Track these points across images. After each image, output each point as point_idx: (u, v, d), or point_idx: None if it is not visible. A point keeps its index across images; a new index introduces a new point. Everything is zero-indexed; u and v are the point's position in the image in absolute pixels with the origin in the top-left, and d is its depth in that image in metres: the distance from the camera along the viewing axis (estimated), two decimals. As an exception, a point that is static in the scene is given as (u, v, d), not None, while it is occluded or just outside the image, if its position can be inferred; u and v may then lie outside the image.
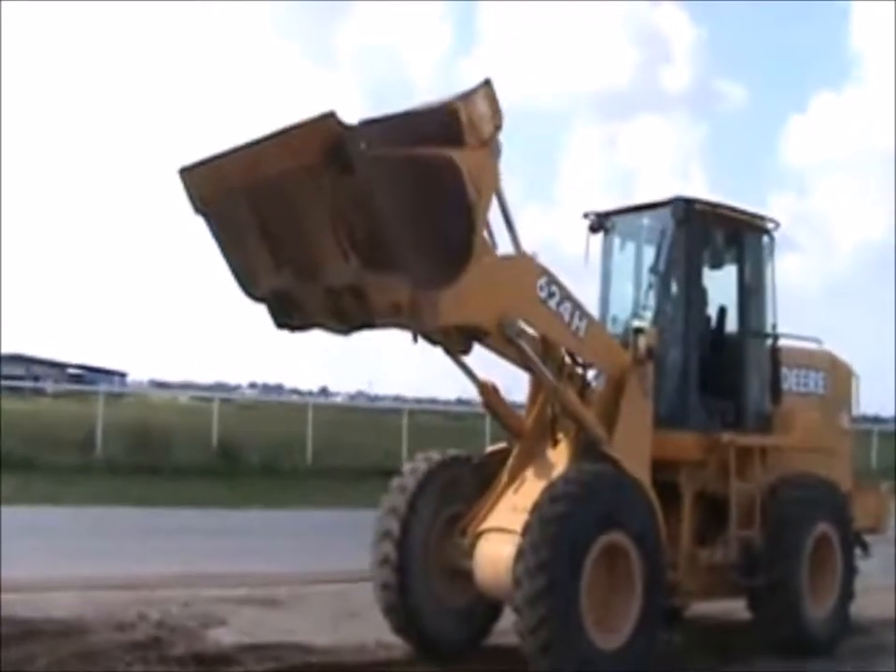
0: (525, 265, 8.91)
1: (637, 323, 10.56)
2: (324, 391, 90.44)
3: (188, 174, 8.32)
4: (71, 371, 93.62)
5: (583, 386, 9.69)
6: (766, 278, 11.35)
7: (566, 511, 8.40)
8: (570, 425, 9.58)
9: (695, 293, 10.90)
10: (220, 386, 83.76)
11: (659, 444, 9.76)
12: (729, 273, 11.28)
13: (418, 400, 63.60)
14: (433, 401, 64.82)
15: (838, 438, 12.08)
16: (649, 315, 10.95)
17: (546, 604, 8.19)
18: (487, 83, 8.02)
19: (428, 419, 42.15)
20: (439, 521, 9.87)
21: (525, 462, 9.81)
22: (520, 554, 8.38)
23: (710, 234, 10.99)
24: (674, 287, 11.00)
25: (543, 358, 9.06)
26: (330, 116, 6.98)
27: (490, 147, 8.11)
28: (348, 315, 7.99)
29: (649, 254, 11.36)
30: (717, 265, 11.22)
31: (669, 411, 10.31)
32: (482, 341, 8.89)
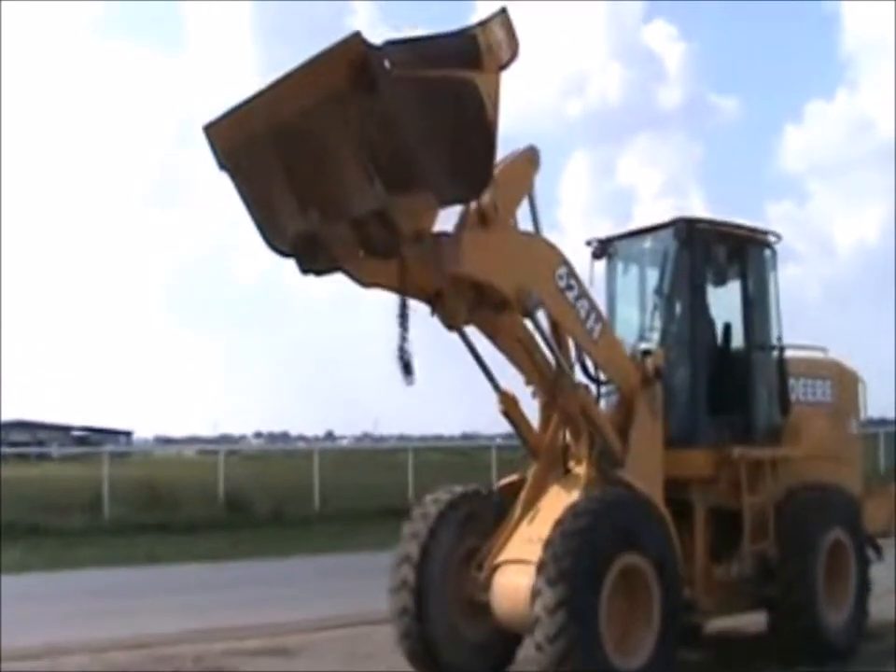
0: (546, 248, 9.16)
1: (644, 345, 10.55)
2: (330, 435, 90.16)
3: (212, 129, 8.39)
4: (76, 433, 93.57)
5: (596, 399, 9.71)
6: (770, 291, 11.33)
7: (588, 525, 8.39)
8: (582, 453, 9.55)
9: (700, 311, 10.88)
10: (225, 438, 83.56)
11: (671, 464, 9.73)
12: (733, 287, 11.22)
13: (423, 438, 63.52)
14: (438, 438, 64.79)
15: (847, 444, 12.09)
16: (655, 336, 10.90)
17: (566, 613, 8.10)
18: (503, 11, 8.24)
19: (434, 456, 41.98)
20: (458, 552, 9.78)
21: (538, 493, 9.74)
22: (541, 566, 8.31)
23: (713, 253, 10.97)
24: (679, 307, 10.99)
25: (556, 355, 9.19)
26: (356, 36, 7.09)
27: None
28: (375, 243, 7.96)
29: (652, 276, 11.36)
30: (720, 282, 11.18)
31: (680, 429, 10.24)
32: (498, 317, 9.07)
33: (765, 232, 11.46)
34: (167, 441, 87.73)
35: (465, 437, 54.62)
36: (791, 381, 11.47)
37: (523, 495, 9.77)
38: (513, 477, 10.24)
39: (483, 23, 8.13)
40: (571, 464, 9.70)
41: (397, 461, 34.55)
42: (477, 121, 7.82)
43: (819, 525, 10.59)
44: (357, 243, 8.04)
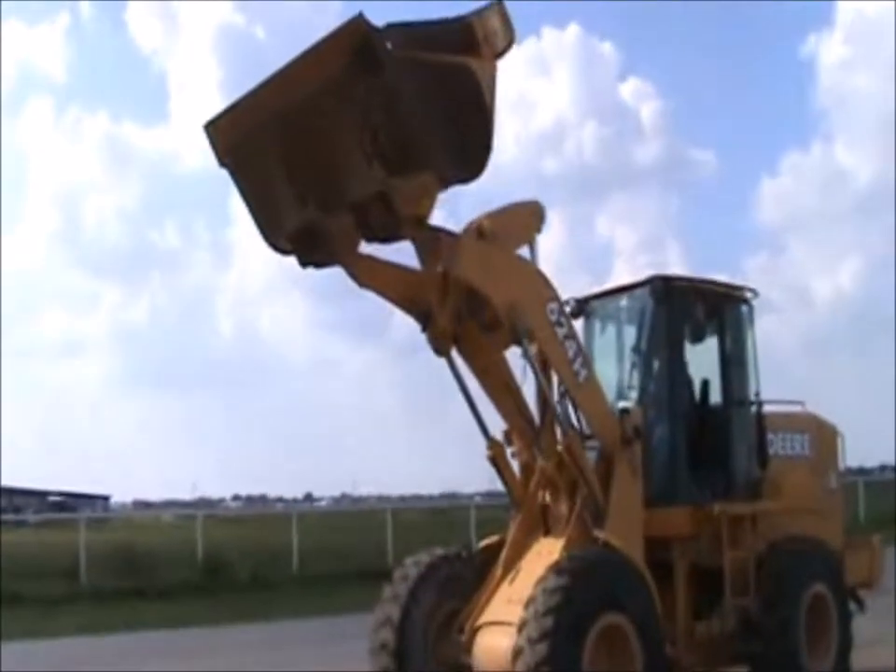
0: (542, 280, 9.32)
1: (622, 404, 10.55)
2: (308, 497, 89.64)
3: (212, 126, 8.49)
4: (53, 498, 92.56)
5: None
6: (748, 347, 11.39)
7: (569, 584, 8.36)
8: (562, 514, 9.54)
9: (678, 369, 10.93)
10: (204, 501, 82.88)
11: (651, 523, 9.72)
12: (710, 344, 11.28)
13: (402, 498, 63.21)
14: (417, 498, 64.34)
15: (827, 497, 12.06)
16: (634, 395, 10.91)
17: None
18: (500, 2, 8.50)
19: (413, 516, 41.73)
20: (438, 614, 9.74)
21: (518, 554, 9.70)
22: (522, 625, 8.27)
23: (690, 310, 11.01)
24: (657, 365, 11.03)
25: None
26: (359, 17, 7.30)
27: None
28: (374, 228, 8.13)
29: (630, 335, 11.43)
30: (698, 339, 11.23)
31: (659, 487, 10.23)
32: (487, 340, 9.24)
33: (742, 288, 11.54)
34: (145, 505, 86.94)
35: (444, 496, 54.27)
36: (770, 435, 11.48)
37: (503, 556, 9.72)
38: (493, 538, 10.20)
39: (479, 12, 8.36)
40: (551, 525, 9.66)
41: (376, 522, 34.31)
42: (475, 105, 8.07)
43: (800, 578, 10.56)
44: (357, 230, 8.21)
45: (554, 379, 9.54)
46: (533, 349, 9.20)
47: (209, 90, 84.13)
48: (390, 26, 7.69)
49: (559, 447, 9.38)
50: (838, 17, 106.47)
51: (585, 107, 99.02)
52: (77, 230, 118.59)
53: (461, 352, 9.36)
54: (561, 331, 9.31)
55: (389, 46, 7.47)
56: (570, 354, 9.36)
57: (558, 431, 9.49)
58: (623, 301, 11.63)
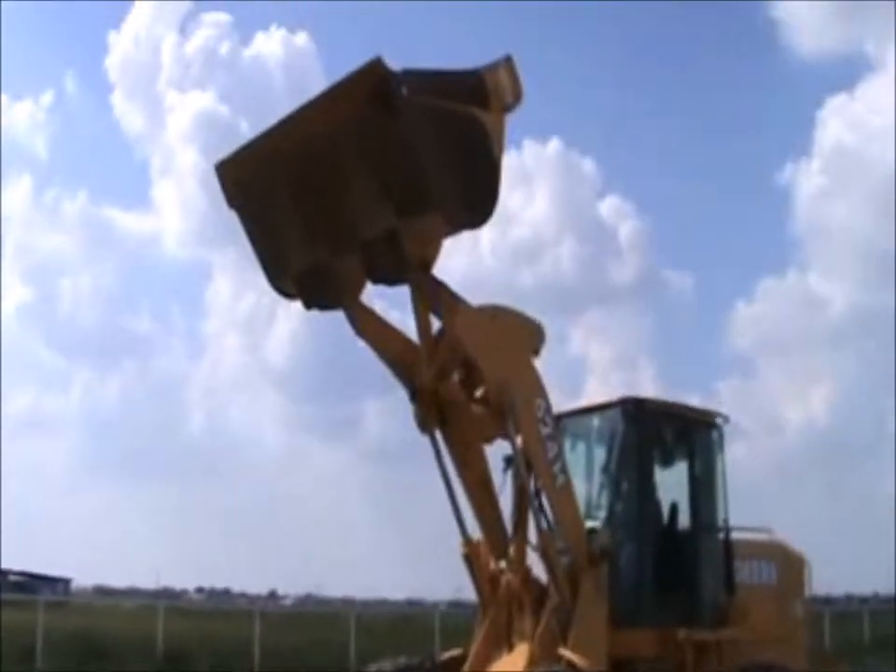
0: (535, 374, 9.35)
1: (590, 524, 10.54)
2: (272, 594, 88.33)
3: (222, 167, 8.71)
4: (12, 578, 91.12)
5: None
6: (717, 472, 11.44)
7: None
8: (526, 629, 9.48)
9: (647, 491, 10.98)
10: (166, 592, 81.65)
11: (616, 643, 9.64)
12: (680, 468, 11.35)
13: (366, 603, 62.33)
14: (382, 602, 63.50)
15: (792, 626, 12.03)
16: (602, 514, 10.95)
17: None
18: (508, 59, 8.80)
19: (377, 621, 41.19)
20: None
21: (480, 668, 9.65)
22: None
23: (661, 433, 11.15)
24: (626, 487, 11.06)
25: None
26: (377, 60, 7.55)
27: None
28: (382, 269, 8.31)
29: (600, 454, 11.48)
30: (668, 462, 11.33)
31: (625, 608, 10.17)
32: (475, 420, 9.28)
33: (713, 414, 11.65)
34: (107, 590, 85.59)
35: (409, 602, 53.68)
36: (738, 562, 11.48)
37: (465, 668, 9.66)
38: (456, 651, 10.15)
39: (490, 67, 8.66)
40: (515, 640, 9.61)
41: (339, 624, 33.91)
42: (484, 154, 8.32)
43: None
44: (364, 270, 8.42)
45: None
46: (518, 441, 9.21)
47: (190, 179, 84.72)
48: (406, 72, 7.94)
49: (536, 547, 9.42)
50: (816, 146, 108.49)
51: (564, 222, 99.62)
52: (51, 307, 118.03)
53: (445, 437, 9.43)
54: (545, 430, 9.32)
55: (405, 90, 7.72)
56: (551, 455, 9.36)
57: (532, 535, 9.53)
58: (595, 421, 11.71)
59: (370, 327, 9.02)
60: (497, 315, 9.10)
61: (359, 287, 8.81)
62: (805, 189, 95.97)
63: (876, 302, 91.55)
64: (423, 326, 9.04)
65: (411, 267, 8.39)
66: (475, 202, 8.30)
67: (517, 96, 8.82)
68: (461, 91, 8.45)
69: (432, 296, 8.78)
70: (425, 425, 9.32)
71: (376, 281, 8.60)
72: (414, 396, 9.19)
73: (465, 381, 9.33)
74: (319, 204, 8.35)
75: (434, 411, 9.24)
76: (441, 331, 9.04)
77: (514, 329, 9.26)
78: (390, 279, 8.53)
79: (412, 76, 8.00)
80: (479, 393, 9.30)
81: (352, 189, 8.07)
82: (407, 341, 9.17)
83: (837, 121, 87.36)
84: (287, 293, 8.97)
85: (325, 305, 8.98)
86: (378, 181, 7.89)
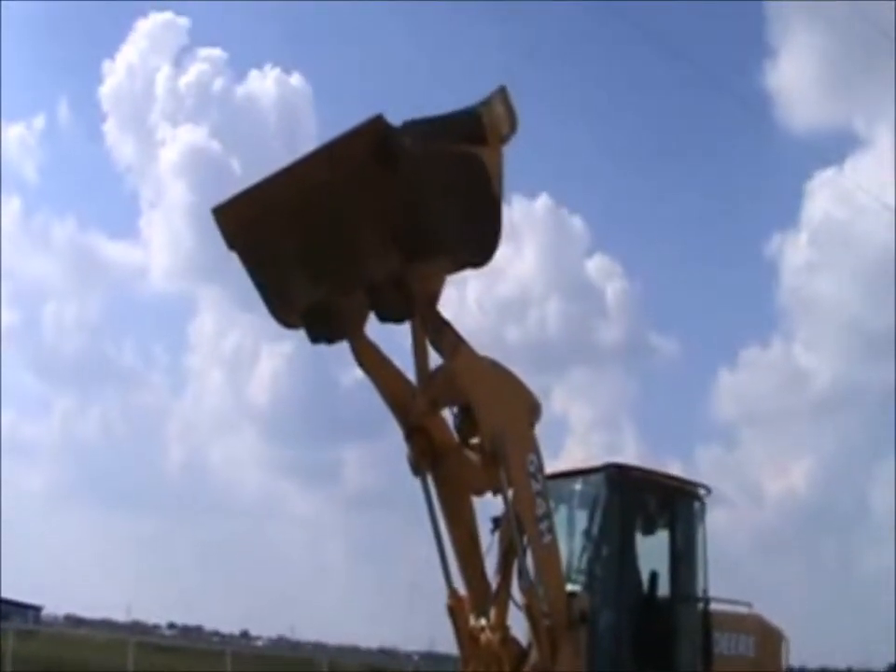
0: (531, 430, 9.37)
1: (570, 587, 10.43)
2: (245, 634, 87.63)
3: (221, 212, 8.69)
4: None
5: None
6: (697, 543, 11.43)
7: None
8: None
9: (628, 558, 10.97)
10: (138, 626, 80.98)
11: None
12: (661, 536, 11.35)
13: (339, 649, 61.90)
14: (355, 650, 63.09)
15: None
16: (581, 579, 10.86)
17: None
18: (503, 89, 8.93)
19: (349, 668, 40.99)
20: None
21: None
22: None
23: (643, 500, 11.16)
24: (606, 552, 11.02)
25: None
26: (378, 117, 7.65)
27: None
28: (389, 309, 8.32)
29: (581, 518, 11.41)
30: (649, 530, 11.32)
31: (603, 674, 10.09)
32: (464, 459, 9.24)
33: (695, 485, 11.67)
34: (78, 620, 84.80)
35: (382, 651, 53.39)
36: (716, 634, 11.46)
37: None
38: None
39: (485, 102, 8.78)
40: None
41: (311, 669, 33.71)
42: (485, 194, 8.41)
43: None
44: (371, 308, 8.46)
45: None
46: (509, 494, 9.14)
47: (179, 212, 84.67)
48: (406, 125, 8.09)
49: (520, 604, 9.33)
50: (804, 218, 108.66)
51: (551, 279, 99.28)
52: (35, 332, 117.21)
53: (437, 481, 9.41)
54: (535, 486, 9.30)
55: (407, 142, 7.80)
56: (539, 512, 9.33)
57: (516, 592, 9.44)
58: (577, 485, 11.68)
59: (371, 361, 9.06)
60: (498, 364, 9.15)
61: (364, 321, 8.87)
62: (792, 260, 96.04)
63: (861, 377, 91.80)
64: (421, 361, 9.13)
65: (418, 307, 8.44)
66: (478, 241, 8.37)
67: (513, 126, 8.95)
68: (460, 130, 8.60)
69: (436, 332, 8.79)
70: (417, 466, 9.30)
71: (383, 320, 8.58)
72: (409, 436, 9.20)
73: (460, 426, 9.30)
74: (323, 250, 8.37)
75: (427, 452, 9.25)
76: (439, 368, 9.08)
77: (515, 385, 9.30)
78: (397, 318, 8.54)
79: (412, 126, 8.15)
80: (473, 441, 9.28)
81: (356, 237, 8.12)
82: (406, 381, 9.22)
83: (825, 195, 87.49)
84: (293, 325, 8.99)
85: (331, 339, 8.97)
86: (383, 230, 7.95)
